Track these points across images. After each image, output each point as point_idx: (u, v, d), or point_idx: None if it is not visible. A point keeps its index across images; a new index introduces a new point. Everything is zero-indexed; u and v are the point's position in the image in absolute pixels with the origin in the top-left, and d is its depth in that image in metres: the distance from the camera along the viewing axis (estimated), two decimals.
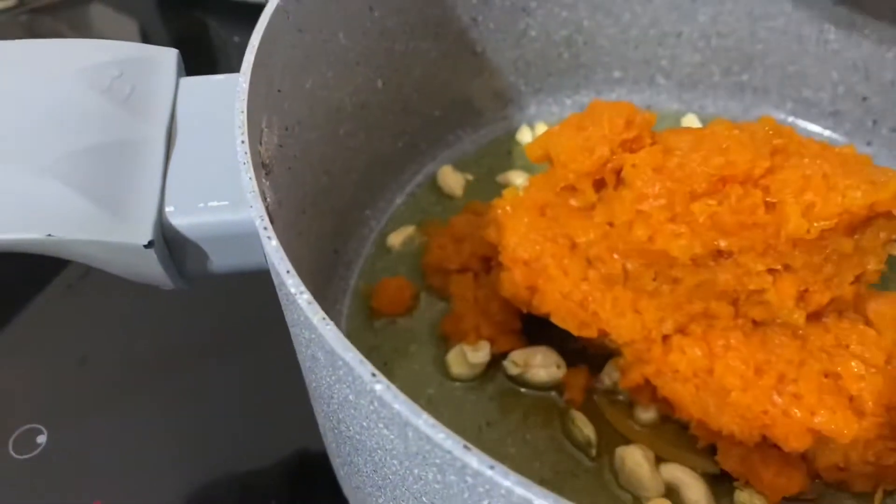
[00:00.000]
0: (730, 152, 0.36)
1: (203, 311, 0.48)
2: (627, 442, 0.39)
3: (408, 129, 0.49)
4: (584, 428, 0.39)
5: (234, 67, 0.31)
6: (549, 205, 0.41)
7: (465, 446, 0.20)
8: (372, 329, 0.44)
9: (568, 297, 0.38)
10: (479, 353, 0.41)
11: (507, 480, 0.20)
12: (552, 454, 0.39)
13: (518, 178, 0.51)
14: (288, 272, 0.24)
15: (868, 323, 0.40)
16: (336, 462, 0.35)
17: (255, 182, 0.27)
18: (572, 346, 0.41)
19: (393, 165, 0.50)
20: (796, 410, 0.35)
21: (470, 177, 0.52)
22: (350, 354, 0.22)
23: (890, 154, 0.50)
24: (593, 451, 0.39)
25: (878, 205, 0.35)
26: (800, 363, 0.37)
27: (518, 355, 0.41)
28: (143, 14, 0.72)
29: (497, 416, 0.41)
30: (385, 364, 0.43)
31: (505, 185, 0.51)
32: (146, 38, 0.71)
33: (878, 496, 0.37)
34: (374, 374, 0.22)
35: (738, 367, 0.36)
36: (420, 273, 0.46)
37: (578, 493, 0.38)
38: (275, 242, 0.25)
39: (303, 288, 0.24)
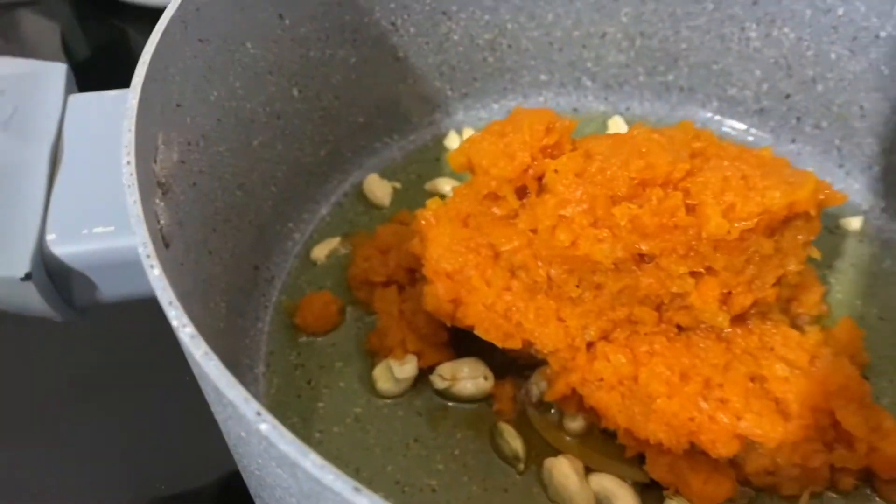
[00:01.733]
0: (649, 156, 0.36)
1: (121, 333, 0.46)
2: (556, 453, 0.38)
3: (330, 138, 0.48)
4: (512, 441, 0.38)
5: None
6: (473, 214, 0.40)
7: (356, 488, 0.19)
8: (296, 346, 0.43)
9: (491, 309, 0.38)
10: (406, 368, 0.40)
11: None
12: (481, 469, 0.38)
13: (446, 186, 0.50)
14: (170, 303, 0.23)
15: (794, 325, 0.41)
16: (251, 492, 0.34)
17: (140, 205, 0.25)
18: (500, 358, 0.40)
19: (316, 175, 0.48)
20: (723, 416, 0.35)
21: (398, 185, 0.50)
22: (234, 392, 0.21)
23: (814, 151, 0.50)
24: (521, 466, 0.38)
25: (796, 205, 0.35)
26: (725, 367, 0.36)
27: (445, 369, 0.40)
28: (64, 20, 0.69)
29: (425, 431, 0.40)
30: (309, 382, 0.41)
31: (434, 193, 0.50)
32: (66, 46, 0.68)
33: (804, 498, 0.37)
34: (259, 413, 0.20)
35: (662, 373, 0.36)
36: (346, 286, 0.45)
37: None
38: (157, 272, 0.23)
39: (185, 321, 0.22)
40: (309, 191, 0.48)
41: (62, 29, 0.69)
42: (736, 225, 0.34)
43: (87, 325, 0.43)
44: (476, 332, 0.38)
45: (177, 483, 0.43)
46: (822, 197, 0.36)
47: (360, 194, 0.50)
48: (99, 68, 0.65)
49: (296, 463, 0.20)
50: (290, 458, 0.20)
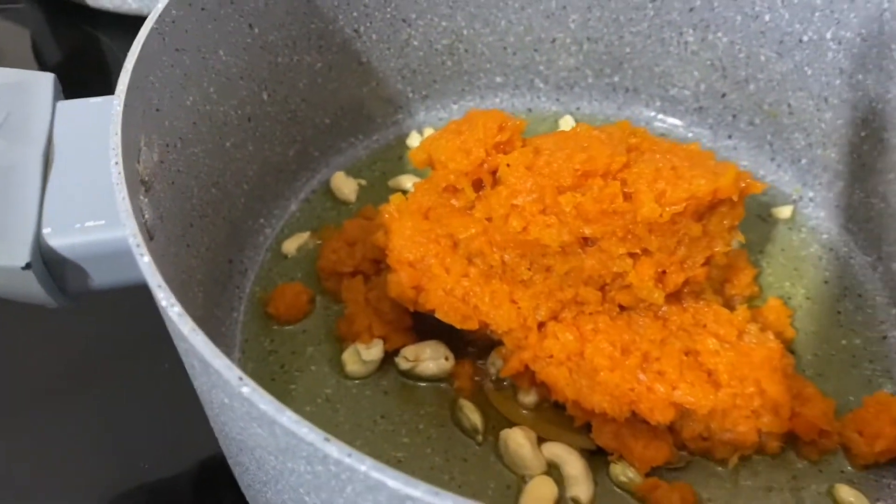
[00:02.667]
0: (591, 150, 0.40)
1: (101, 323, 0.48)
2: (512, 425, 0.42)
3: (298, 138, 0.51)
4: (472, 415, 0.42)
5: None
6: (433, 207, 0.44)
7: (326, 438, 0.22)
8: (269, 334, 0.46)
9: (450, 294, 0.41)
10: (373, 351, 0.44)
11: (364, 465, 0.22)
12: (443, 441, 0.42)
13: (409, 182, 0.53)
14: (159, 286, 0.26)
15: (727, 305, 0.45)
16: (231, 462, 0.36)
17: (128, 201, 0.28)
18: (460, 339, 0.44)
19: (286, 173, 0.51)
20: (659, 386, 0.39)
21: (363, 182, 0.54)
22: (218, 361, 0.24)
23: (748, 146, 0.55)
24: (479, 437, 0.41)
25: (720, 191, 0.39)
26: (662, 342, 0.40)
27: (409, 351, 0.43)
28: (35, 26, 0.71)
29: (391, 409, 0.43)
30: (282, 367, 0.44)
31: (397, 189, 0.53)
32: (37, 52, 0.70)
33: (733, 460, 0.40)
34: (241, 378, 0.23)
35: (606, 349, 0.40)
36: (316, 277, 0.48)
37: (467, 475, 0.40)
38: (147, 259, 0.26)
39: (174, 300, 0.25)
40: (279, 188, 0.51)
41: (33, 34, 0.71)
42: (667, 209, 0.38)
43: (68, 315, 0.45)
44: (437, 315, 0.41)
45: (159, 466, 0.45)
46: (743, 185, 0.40)
47: (327, 191, 0.53)
48: (72, 73, 0.67)
49: (274, 420, 0.23)
50: (269, 415, 0.23)
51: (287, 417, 0.23)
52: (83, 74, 0.66)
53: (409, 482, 0.21)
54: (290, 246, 0.50)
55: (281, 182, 0.51)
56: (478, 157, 0.42)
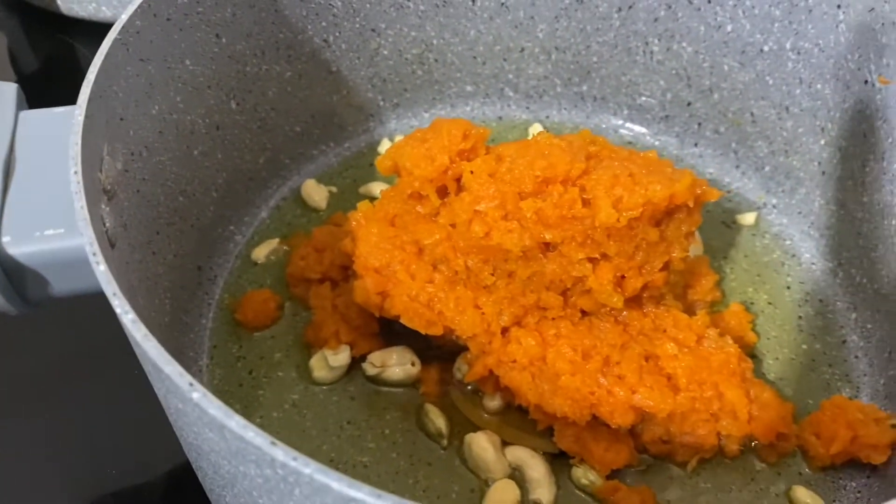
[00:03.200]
0: (551, 157, 0.40)
1: (68, 328, 0.48)
2: (476, 429, 0.42)
3: (268, 146, 0.51)
4: (437, 420, 0.42)
5: None
6: (399, 214, 0.44)
7: (272, 442, 0.23)
8: (238, 340, 0.46)
9: (415, 300, 0.41)
10: (340, 357, 0.44)
11: (308, 468, 0.22)
12: (408, 445, 0.42)
13: (379, 190, 0.53)
14: (114, 294, 0.26)
15: (690, 310, 0.45)
16: (194, 468, 0.37)
17: (86, 210, 0.28)
18: (426, 345, 0.44)
19: (256, 181, 0.51)
20: (619, 390, 0.40)
21: (334, 189, 0.54)
22: (170, 367, 0.24)
23: (714, 153, 0.55)
24: (444, 441, 0.42)
25: (676, 197, 0.40)
26: (622, 347, 0.41)
27: (375, 357, 0.44)
28: (11, 33, 0.71)
29: (357, 414, 0.43)
30: (251, 373, 0.45)
31: (367, 197, 0.54)
32: (13, 59, 0.70)
33: (692, 463, 0.41)
34: (191, 384, 0.24)
35: (567, 353, 0.40)
36: (285, 284, 0.49)
37: (431, 479, 0.41)
38: (103, 267, 0.27)
39: (127, 307, 0.26)
40: (249, 195, 0.51)
41: (10, 42, 0.71)
42: (624, 214, 0.39)
43: (35, 321, 0.45)
44: (402, 321, 0.42)
45: (129, 472, 0.45)
46: (699, 191, 0.40)
47: (298, 198, 0.53)
48: (47, 81, 0.67)
49: (223, 424, 0.23)
50: (218, 420, 0.23)
51: (235, 422, 0.23)
52: (57, 81, 0.66)
53: (353, 484, 0.22)
54: (260, 252, 0.50)
55: (251, 189, 0.51)
56: (442, 164, 0.42)
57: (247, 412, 0.43)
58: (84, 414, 0.47)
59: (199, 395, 0.24)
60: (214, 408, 0.24)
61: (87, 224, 0.28)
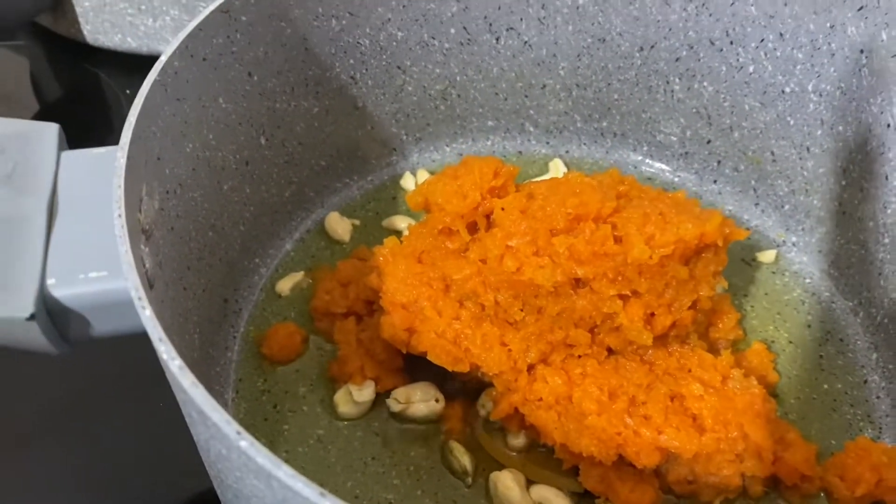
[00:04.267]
0: (583, 195, 0.41)
1: (92, 365, 0.49)
2: (501, 467, 0.42)
3: (294, 180, 0.52)
4: (462, 457, 0.43)
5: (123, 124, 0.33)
6: (427, 250, 0.45)
7: (321, 493, 0.23)
8: (263, 374, 0.47)
9: (442, 336, 0.42)
10: (364, 392, 0.44)
11: None
12: (433, 483, 0.42)
13: (402, 223, 0.54)
14: (160, 339, 0.26)
15: (712, 349, 0.46)
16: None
17: (130, 254, 0.29)
18: (451, 381, 0.45)
19: (281, 213, 0.52)
20: (645, 430, 0.40)
21: (357, 222, 0.55)
22: (217, 415, 0.25)
23: (733, 191, 0.56)
24: (469, 479, 0.42)
25: (706, 236, 0.41)
26: (648, 387, 0.41)
27: (400, 393, 0.44)
28: (35, 63, 0.72)
29: (382, 450, 0.44)
30: (275, 407, 0.45)
31: (390, 230, 0.54)
32: (37, 88, 0.71)
33: (716, 503, 0.41)
34: (239, 433, 0.24)
35: (593, 393, 0.40)
36: (309, 317, 0.49)
37: None
38: (149, 312, 0.27)
39: (174, 354, 0.26)
40: (274, 228, 0.52)
41: (33, 70, 0.72)
42: (656, 251, 0.39)
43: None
44: (429, 357, 0.42)
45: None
46: (727, 231, 0.41)
47: (321, 231, 0.54)
48: (70, 111, 0.68)
49: (271, 474, 0.24)
50: (266, 469, 0.24)
51: (283, 472, 0.23)
52: (82, 111, 0.67)
53: None
54: (285, 285, 0.50)
55: (276, 222, 0.52)
56: (473, 200, 0.43)
57: (272, 447, 0.43)
58: (105, 445, 0.47)
59: (248, 443, 0.24)
60: (263, 457, 0.24)
61: (132, 268, 0.28)
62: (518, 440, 0.43)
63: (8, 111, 0.68)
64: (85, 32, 0.66)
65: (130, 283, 0.28)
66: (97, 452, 0.46)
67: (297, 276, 0.51)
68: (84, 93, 0.68)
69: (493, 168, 0.44)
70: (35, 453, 0.46)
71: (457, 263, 0.43)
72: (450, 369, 0.42)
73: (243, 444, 0.24)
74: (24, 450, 0.46)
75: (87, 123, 0.64)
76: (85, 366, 0.49)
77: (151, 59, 0.38)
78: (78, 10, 0.65)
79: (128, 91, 0.66)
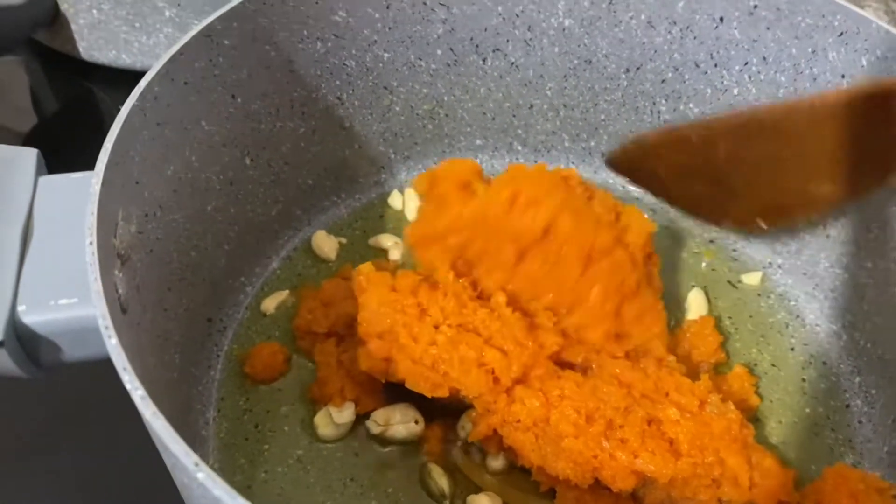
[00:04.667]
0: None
1: (66, 386, 0.49)
2: (479, 490, 0.43)
3: (281, 199, 0.52)
4: (439, 480, 0.43)
5: None
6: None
7: None
8: (245, 393, 0.47)
9: (419, 363, 0.42)
10: (344, 414, 0.44)
11: None
12: None
13: (389, 241, 0.54)
14: (124, 369, 0.27)
15: (694, 372, 0.46)
16: None
17: (100, 282, 0.29)
18: (431, 402, 0.45)
19: (267, 232, 0.52)
20: (621, 454, 0.40)
21: (343, 240, 0.55)
22: (176, 446, 0.25)
23: None
24: (447, 502, 0.42)
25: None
26: (625, 410, 0.41)
27: (379, 415, 0.44)
28: (33, 77, 0.73)
29: (362, 472, 0.44)
30: (257, 427, 0.45)
31: (377, 248, 0.54)
32: (36, 102, 0.72)
33: None
34: (196, 464, 0.24)
35: (571, 416, 0.41)
36: (293, 336, 0.49)
37: None
38: (114, 341, 0.27)
39: (137, 384, 0.26)
40: (260, 247, 0.52)
41: (31, 84, 0.73)
42: None
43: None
44: (407, 385, 0.42)
45: None
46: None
47: (308, 249, 0.54)
48: (65, 125, 0.69)
49: None
50: (223, 501, 0.24)
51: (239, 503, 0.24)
52: (76, 126, 0.68)
53: None
54: (270, 304, 0.51)
55: (262, 241, 0.52)
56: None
57: (252, 466, 0.44)
58: (87, 468, 0.47)
59: (205, 475, 0.24)
60: (219, 489, 0.24)
61: (101, 296, 0.29)
62: (497, 462, 0.43)
63: (5, 123, 0.69)
64: (80, 49, 0.67)
65: (98, 312, 0.28)
66: (72, 474, 0.46)
67: (282, 295, 0.51)
68: (79, 107, 0.69)
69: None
70: (11, 475, 0.46)
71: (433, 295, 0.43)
72: (429, 396, 0.42)
73: (201, 475, 0.24)
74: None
75: (78, 138, 0.65)
76: (58, 387, 0.49)
77: (145, 74, 0.39)
78: (73, 26, 0.66)
79: (121, 107, 0.67)
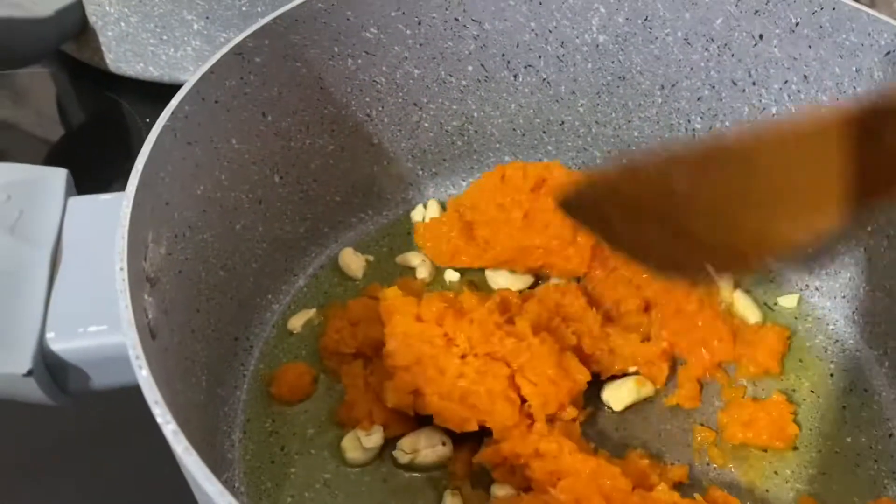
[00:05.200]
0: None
1: (89, 406, 0.48)
2: None
3: (309, 216, 0.52)
4: None
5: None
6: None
7: None
8: (271, 414, 0.46)
9: (447, 398, 0.41)
10: (373, 438, 0.44)
11: None
12: None
13: (416, 259, 0.53)
14: (156, 402, 0.26)
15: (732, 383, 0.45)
16: None
17: (130, 310, 0.29)
18: None
19: (295, 250, 0.52)
20: None
21: (370, 258, 0.54)
22: (210, 486, 0.24)
23: None
24: None
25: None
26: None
27: (405, 443, 0.43)
28: (62, 88, 0.73)
29: (389, 497, 0.43)
30: (283, 449, 0.45)
31: (404, 266, 0.54)
32: (63, 113, 0.72)
33: None
34: None
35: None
36: (319, 355, 0.48)
37: None
38: (145, 372, 0.27)
39: (169, 418, 0.26)
40: (288, 265, 0.51)
41: (59, 96, 0.73)
42: None
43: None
44: (436, 422, 0.42)
45: None
46: None
47: (335, 267, 0.54)
48: (91, 137, 0.69)
49: None
50: None
51: None
52: (102, 139, 0.68)
53: None
54: (296, 323, 0.50)
55: (290, 259, 0.51)
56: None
57: (278, 490, 0.43)
58: (111, 483, 0.46)
59: None
60: None
61: (132, 325, 0.28)
62: (502, 490, 0.42)
63: (34, 133, 0.69)
64: (108, 61, 0.67)
65: (129, 342, 0.28)
66: (90, 492, 0.45)
67: (309, 313, 0.51)
68: (105, 119, 0.69)
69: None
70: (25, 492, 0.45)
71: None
72: (458, 431, 0.42)
73: None
74: (16, 489, 0.45)
75: (105, 151, 0.64)
76: (80, 404, 0.48)
77: (172, 87, 0.38)
78: (101, 39, 0.66)
79: (147, 119, 0.67)
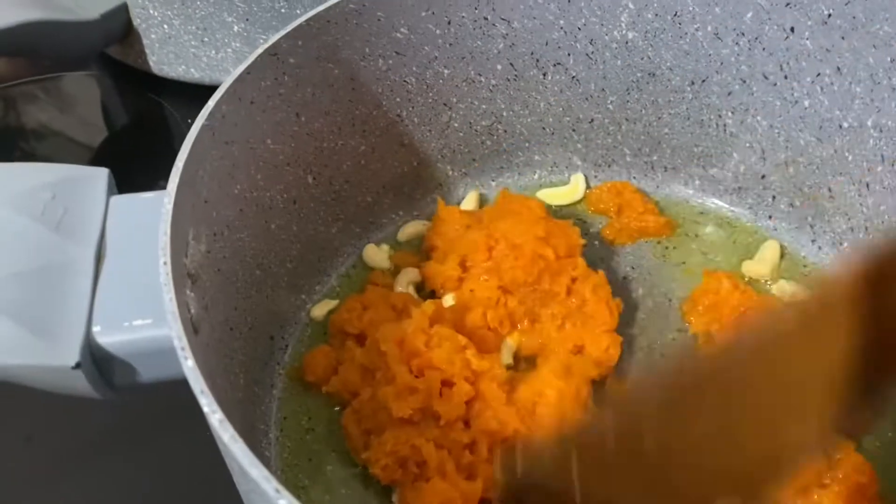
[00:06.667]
0: None
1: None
2: None
3: (341, 216, 0.52)
4: None
5: None
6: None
7: None
8: (307, 412, 0.47)
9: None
10: None
11: None
12: None
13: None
14: (202, 392, 0.26)
15: None
16: None
17: (174, 303, 0.29)
18: None
19: (328, 250, 0.52)
20: None
21: (391, 251, 0.54)
22: (256, 471, 0.24)
23: (789, 227, 0.54)
24: None
25: None
26: None
27: None
28: (105, 91, 0.75)
29: None
30: (318, 446, 0.45)
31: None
32: (107, 115, 0.74)
33: None
34: (278, 491, 0.24)
35: None
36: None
37: None
38: (191, 363, 0.27)
39: (215, 407, 0.26)
40: (321, 265, 0.52)
41: (102, 97, 0.75)
42: None
43: None
44: None
45: None
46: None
47: (366, 266, 0.54)
48: (134, 139, 0.70)
49: None
50: None
51: None
52: (145, 139, 0.69)
53: None
54: (321, 311, 0.50)
55: (323, 259, 0.52)
56: None
57: (315, 486, 0.43)
58: (146, 475, 0.47)
59: (286, 501, 0.24)
60: None
61: (176, 317, 0.29)
62: None
63: (78, 135, 0.71)
64: (151, 63, 0.68)
65: (174, 333, 0.28)
66: (140, 480, 0.46)
67: (332, 304, 0.51)
68: (148, 121, 0.70)
69: None
70: (79, 477, 0.46)
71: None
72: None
73: (282, 503, 0.24)
74: (62, 478, 0.46)
75: (148, 152, 0.66)
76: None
77: (213, 89, 0.39)
78: (145, 41, 0.67)
79: (189, 120, 0.68)
